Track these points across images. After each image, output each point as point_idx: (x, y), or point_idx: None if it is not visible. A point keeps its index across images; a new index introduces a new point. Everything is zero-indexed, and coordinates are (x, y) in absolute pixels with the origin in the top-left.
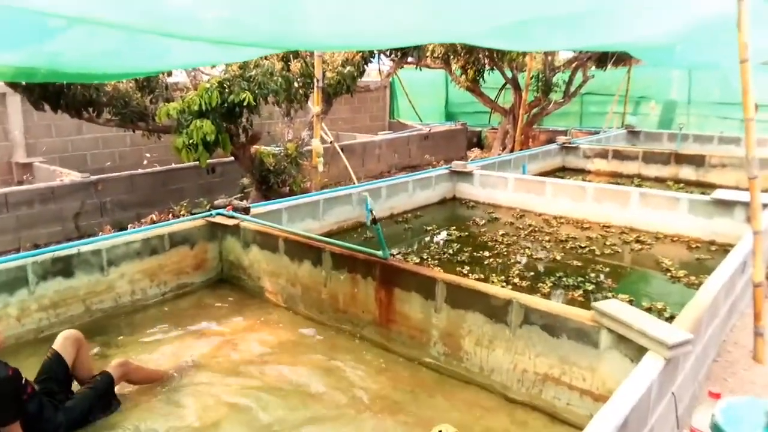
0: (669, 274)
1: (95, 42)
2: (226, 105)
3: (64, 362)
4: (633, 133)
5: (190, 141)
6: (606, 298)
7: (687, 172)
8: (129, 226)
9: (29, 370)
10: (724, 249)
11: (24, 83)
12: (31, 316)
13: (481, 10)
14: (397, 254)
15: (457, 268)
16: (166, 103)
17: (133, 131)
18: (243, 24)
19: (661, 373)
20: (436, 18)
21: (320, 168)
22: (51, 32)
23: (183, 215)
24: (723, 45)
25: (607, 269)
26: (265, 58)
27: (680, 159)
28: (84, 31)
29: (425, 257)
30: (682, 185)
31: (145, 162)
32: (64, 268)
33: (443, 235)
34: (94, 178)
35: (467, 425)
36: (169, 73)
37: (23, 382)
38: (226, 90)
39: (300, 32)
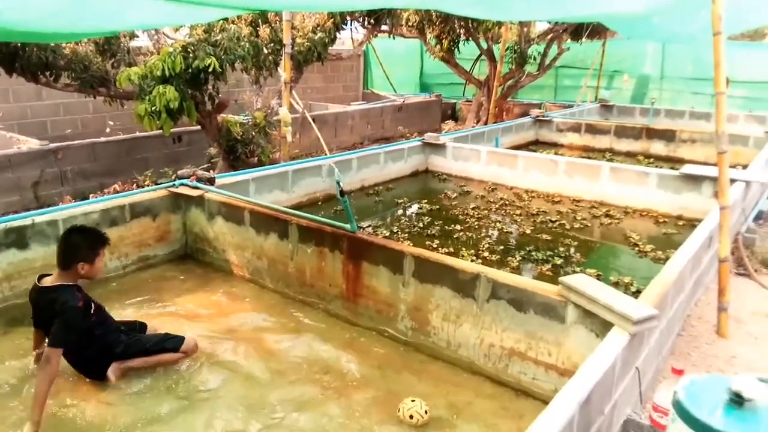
0: (637, 248)
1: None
2: (190, 71)
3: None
4: (606, 107)
5: (153, 108)
6: (574, 272)
7: (658, 147)
8: (91, 195)
9: None
10: (692, 224)
11: None
12: None
13: None
14: (367, 227)
15: (427, 242)
16: (128, 68)
17: (95, 97)
18: None
19: (626, 348)
20: None
21: (289, 138)
22: None
23: (148, 185)
24: (701, 18)
25: (577, 243)
26: (232, 22)
27: (651, 134)
28: None
29: (395, 230)
30: (652, 160)
31: (108, 130)
32: (18, 239)
33: (414, 208)
34: (54, 145)
35: (434, 400)
36: (132, 37)
37: (91, 311)
38: (191, 55)
39: None
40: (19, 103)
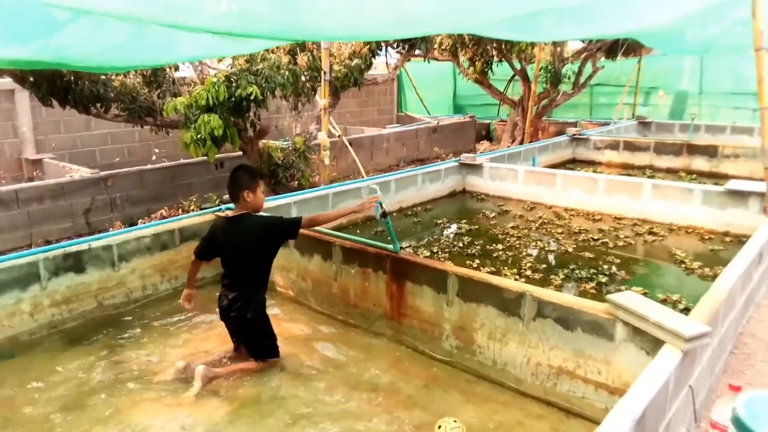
0: (683, 265)
1: (102, 35)
2: (233, 99)
3: None
4: (644, 124)
5: (198, 136)
6: (619, 290)
7: (699, 163)
8: (139, 221)
9: (45, 366)
10: (739, 240)
11: (32, 79)
12: (44, 312)
13: (492, 2)
14: (407, 248)
15: (468, 262)
16: (174, 98)
17: (141, 126)
18: (251, 15)
19: (679, 366)
20: (445, 8)
21: (327, 161)
22: (58, 25)
23: (192, 210)
24: (736, 30)
25: (620, 261)
26: (272, 51)
27: (692, 150)
28: (90, 24)
29: (435, 251)
30: (694, 176)
31: (153, 157)
32: (76, 263)
33: (453, 228)
34: (103, 173)
35: (481, 419)
36: (176, 68)
37: None
38: (233, 84)
39: (309, 22)
40: (69, 134)
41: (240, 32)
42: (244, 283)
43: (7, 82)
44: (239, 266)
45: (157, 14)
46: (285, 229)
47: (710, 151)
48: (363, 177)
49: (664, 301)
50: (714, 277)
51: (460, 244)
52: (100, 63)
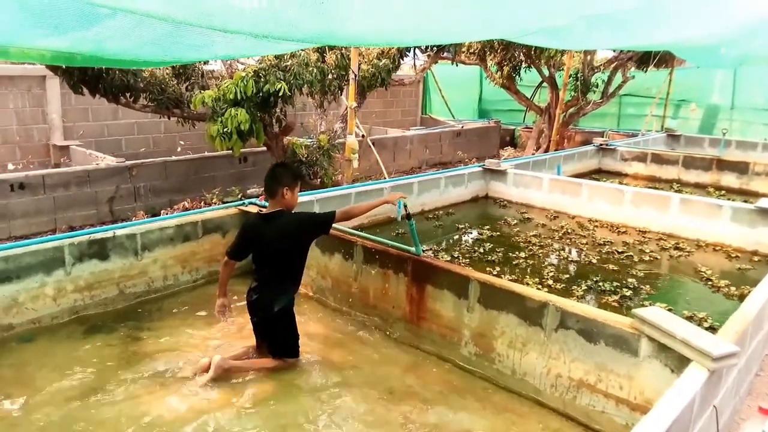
0: (710, 283)
1: (141, 31)
2: (261, 94)
3: None
4: (673, 137)
5: (225, 129)
6: (642, 305)
7: (729, 179)
8: (162, 212)
9: (66, 350)
10: None
11: (64, 67)
12: (67, 297)
13: (526, 12)
14: (427, 251)
15: (488, 268)
16: (202, 91)
17: (168, 118)
18: (284, 20)
19: (704, 386)
20: (479, 19)
21: (355, 164)
22: (98, 18)
23: (214, 203)
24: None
25: (644, 275)
26: (301, 48)
27: (722, 165)
28: (130, 20)
29: (456, 255)
30: (723, 192)
31: (178, 149)
32: (100, 250)
33: (474, 233)
34: (129, 163)
35: (498, 430)
36: (206, 61)
37: None
38: (262, 79)
39: (340, 28)
40: (97, 122)
41: (272, 35)
42: (277, 280)
43: (39, 68)
44: (273, 263)
45: (194, 16)
46: (319, 225)
47: (741, 168)
48: (385, 178)
49: (690, 319)
50: (741, 296)
51: (481, 250)
52: (136, 57)
